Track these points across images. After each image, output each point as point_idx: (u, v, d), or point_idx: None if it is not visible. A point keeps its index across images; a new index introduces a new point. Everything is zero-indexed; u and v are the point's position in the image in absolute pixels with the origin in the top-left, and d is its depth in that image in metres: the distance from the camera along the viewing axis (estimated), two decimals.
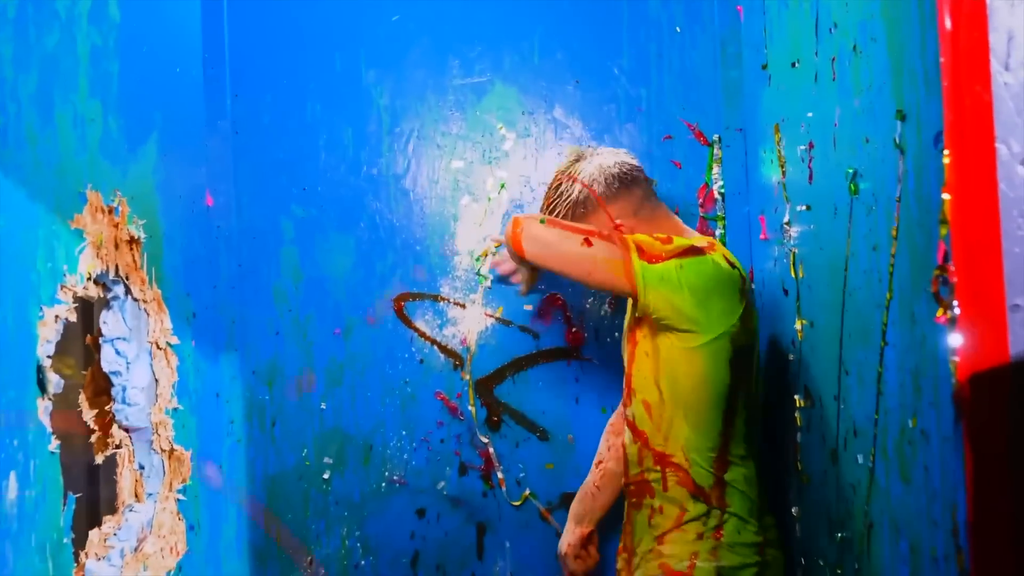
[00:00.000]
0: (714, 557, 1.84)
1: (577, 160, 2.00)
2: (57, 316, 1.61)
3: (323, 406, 2.30)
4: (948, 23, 1.03)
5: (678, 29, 2.28)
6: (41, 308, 1.58)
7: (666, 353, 1.86)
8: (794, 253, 1.85)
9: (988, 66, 1.04)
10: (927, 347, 1.20)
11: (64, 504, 1.62)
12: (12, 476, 1.44)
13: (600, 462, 2.17)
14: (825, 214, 1.65)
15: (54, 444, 1.59)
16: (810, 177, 1.73)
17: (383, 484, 2.28)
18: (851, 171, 1.49)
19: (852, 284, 1.50)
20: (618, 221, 1.93)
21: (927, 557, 1.22)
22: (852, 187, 1.49)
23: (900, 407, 1.30)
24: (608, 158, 1.98)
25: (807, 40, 1.74)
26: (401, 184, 2.33)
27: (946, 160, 1.06)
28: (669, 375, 1.85)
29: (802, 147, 1.77)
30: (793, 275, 1.85)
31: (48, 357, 1.59)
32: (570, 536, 2.15)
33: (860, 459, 1.49)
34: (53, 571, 1.56)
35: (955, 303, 1.03)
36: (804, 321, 1.80)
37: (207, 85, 2.29)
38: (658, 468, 1.87)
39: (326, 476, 2.30)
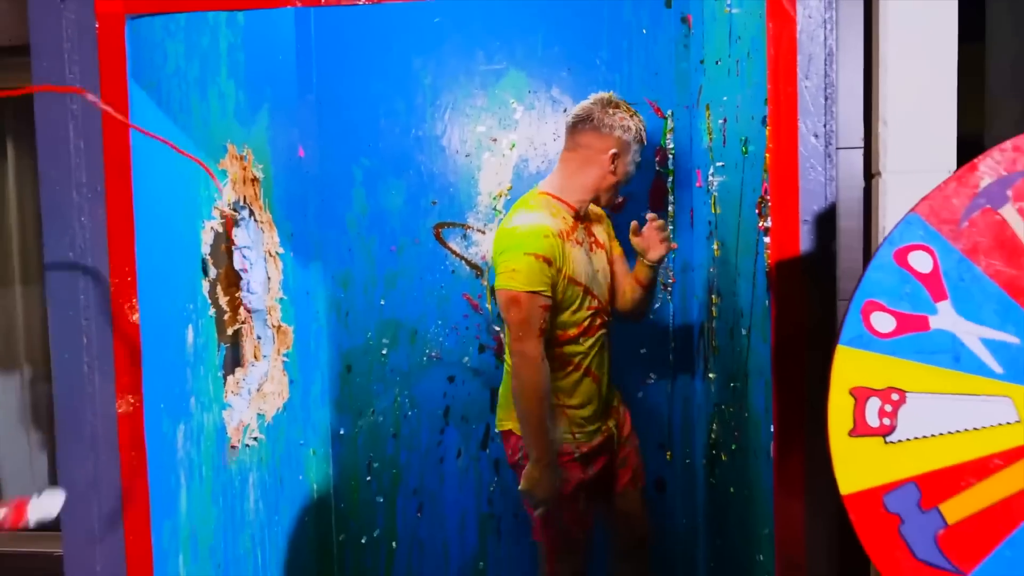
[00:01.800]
0: None
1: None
2: (212, 227, 1.91)
3: (382, 302, 2.59)
4: (772, 50, 1.43)
5: (644, 31, 2.48)
6: (203, 221, 1.87)
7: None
8: (714, 197, 2.19)
9: (795, 75, 1.42)
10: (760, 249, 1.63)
11: (219, 351, 1.95)
12: (190, 328, 1.79)
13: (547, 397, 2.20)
14: (731, 168, 2.01)
15: (211, 311, 1.92)
16: (723, 142, 2.07)
17: (424, 358, 2.57)
18: (744, 139, 1.87)
19: (743, 216, 1.88)
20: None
21: (766, 387, 1.64)
22: (744, 150, 1.88)
23: (764, 293, 1.73)
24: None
25: (724, 45, 2.05)
26: (439, 143, 2.55)
27: (768, 131, 1.44)
28: None
29: (720, 121, 2.10)
30: (713, 211, 2.20)
31: (208, 254, 1.90)
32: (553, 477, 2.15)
33: (743, 332, 1.91)
34: (213, 392, 1.90)
35: (769, 218, 1.45)
36: (719, 242, 2.14)
37: (299, 69, 2.48)
38: None
39: (384, 352, 2.60)
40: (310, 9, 2.51)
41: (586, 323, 2.13)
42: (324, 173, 2.60)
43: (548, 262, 1.99)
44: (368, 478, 2.65)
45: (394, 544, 2.66)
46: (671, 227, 2.55)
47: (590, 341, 2.14)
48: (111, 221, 1.47)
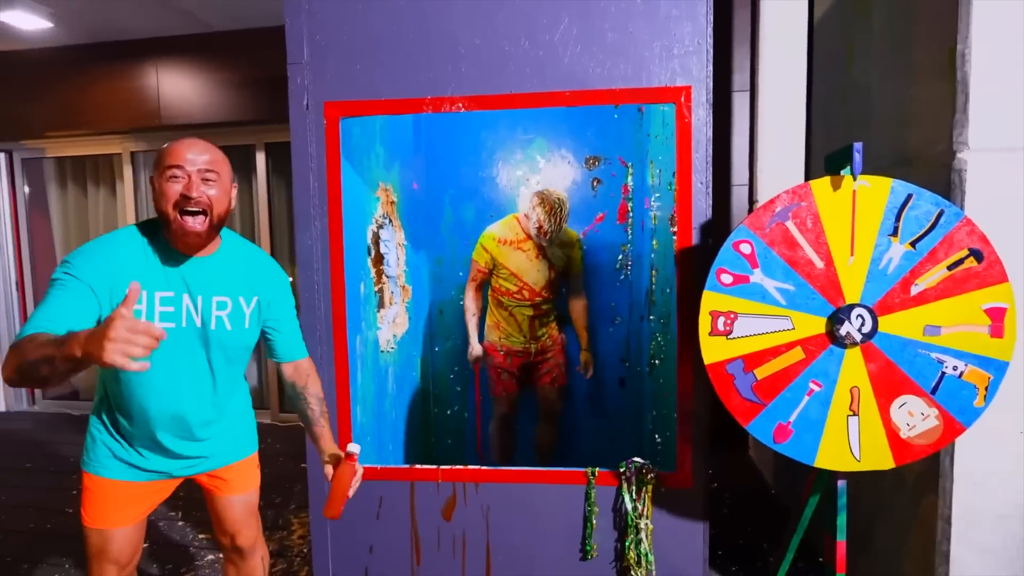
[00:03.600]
0: None
1: (560, 196, 2.36)
2: (371, 229, 2.18)
3: (460, 274, 2.73)
4: (679, 135, 1.70)
5: (616, 115, 2.65)
6: (367, 227, 2.14)
7: None
8: (654, 214, 2.42)
9: (690, 149, 1.65)
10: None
11: (374, 297, 2.20)
12: (361, 284, 2.04)
13: (474, 315, 2.53)
14: (663, 197, 2.22)
15: (373, 274, 2.19)
16: (659, 183, 2.29)
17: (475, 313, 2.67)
18: (669, 182, 2.07)
19: (667, 225, 2.16)
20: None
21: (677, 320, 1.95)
22: (669, 186, 2.09)
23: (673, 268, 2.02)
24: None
25: (660, 127, 2.25)
26: (495, 181, 2.69)
27: (676, 178, 1.69)
28: None
29: (658, 170, 2.32)
30: (653, 223, 2.42)
31: (370, 243, 2.16)
32: (478, 348, 2.51)
33: (668, 290, 2.15)
34: (372, 319, 2.15)
35: (676, 225, 1.74)
36: (656, 240, 2.36)
37: (415, 138, 2.67)
38: None
39: (460, 302, 2.68)
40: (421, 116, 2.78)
41: (514, 292, 2.46)
42: (428, 198, 2.72)
43: (485, 249, 2.42)
44: (451, 375, 2.81)
45: (465, 415, 2.84)
46: (629, 233, 2.74)
47: (515, 303, 2.47)
48: (331, 224, 1.82)
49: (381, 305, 2.26)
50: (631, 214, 2.72)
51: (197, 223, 1.19)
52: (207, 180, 1.19)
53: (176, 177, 1.16)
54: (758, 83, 2.74)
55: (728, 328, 1.42)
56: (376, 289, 2.21)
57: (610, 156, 2.65)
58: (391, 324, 2.39)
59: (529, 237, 2.49)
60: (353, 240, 1.93)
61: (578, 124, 2.66)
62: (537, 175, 2.70)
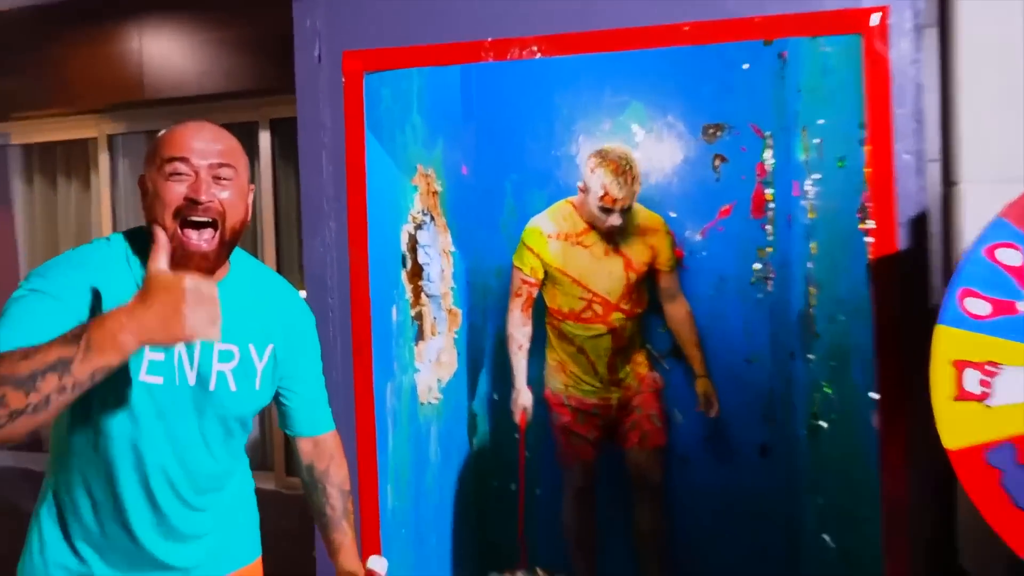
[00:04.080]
0: None
1: (626, 152, 2.23)
2: (407, 230, 2.05)
3: None
4: (868, 84, 1.44)
5: (746, 66, 2.47)
6: (401, 227, 2.01)
7: None
8: (811, 203, 2.17)
9: (889, 105, 1.43)
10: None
11: (411, 326, 2.08)
12: (394, 308, 1.92)
13: (521, 346, 2.38)
14: (827, 180, 1.99)
15: (407, 294, 2.05)
16: (820, 158, 2.05)
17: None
18: (840, 156, 1.85)
19: (842, 219, 1.85)
20: None
21: (865, 364, 1.65)
22: (840, 163, 1.87)
23: (863, 284, 1.73)
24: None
25: (817, 77, 2.02)
26: (574, 161, 2.58)
27: (867, 149, 1.46)
28: None
29: (816, 140, 2.09)
30: (810, 216, 2.18)
31: (406, 250, 2.03)
32: (529, 395, 2.39)
33: (843, 318, 1.89)
34: (408, 358, 2.02)
35: (870, 221, 1.47)
36: (815, 242, 2.12)
37: (463, 105, 2.57)
38: None
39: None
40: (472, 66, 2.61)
41: (580, 311, 2.32)
42: (481, 186, 2.64)
43: (531, 250, 2.32)
44: (515, 435, 2.64)
45: (537, 491, 2.67)
46: (769, 232, 2.53)
47: (583, 330, 2.34)
48: (352, 224, 1.64)
49: (420, 337, 2.19)
50: (772, 204, 2.51)
51: (204, 239, 1.10)
52: (220, 179, 1.11)
53: (179, 174, 1.08)
54: (951, 14, 2.32)
55: (987, 389, 1.14)
56: (413, 314, 2.13)
57: (738, 124, 2.50)
58: (434, 364, 2.28)
59: (591, 226, 2.33)
60: (382, 246, 1.82)
61: (690, 79, 2.53)
62: (633, 151, 2.52)
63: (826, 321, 2.04)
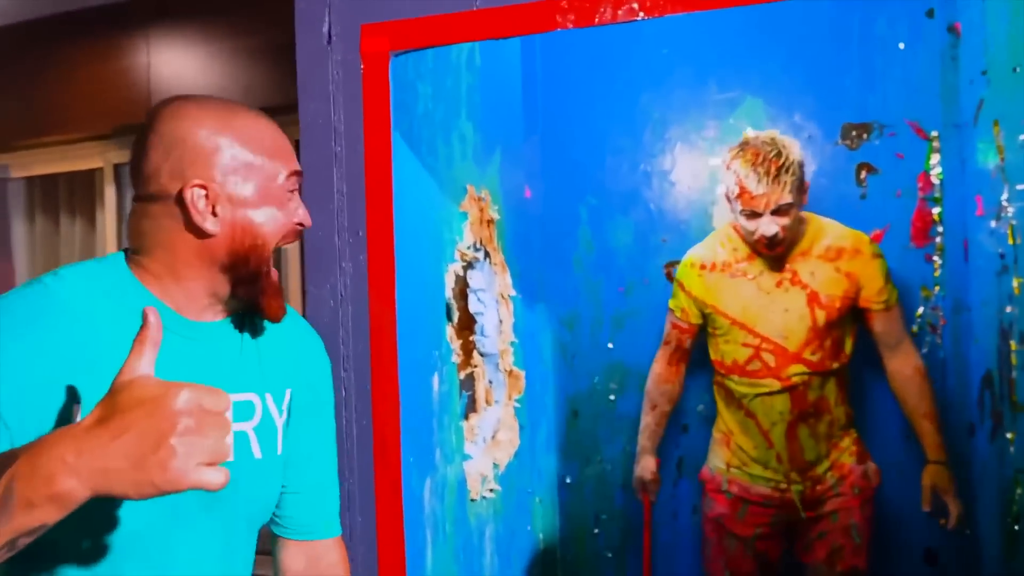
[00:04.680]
0: None
1: (772, 136, 1.94)
2: (454, 271, 1.79)
3: (610, 345, 2.39)
4: None
5: (902, 46, 2.16)
6: (446, 264, 1.75)
7: None
8: (1012, 225, 1.79)
9: None
10: None
11: (460, 398, 1.81)
12: (435, 376, 1.65)
13: (656, 406, 2.17)
14: None
15: (456, 356, 1.78)
16: (1017, 165, 1.69)
17: None
18: None
19: None
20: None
21: None
22: None
23: None
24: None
25: (1003, 48, 1.68)
26: (668, 178, 2.34)
27: None
28: None
29: (1022, 137, 1.72)
30: (1011, 242, 1.79)
31: (451, 298, 1.78)
32: (651, 466, 2.16)
33: None
34: (456, 442, 1.76)
35: None
36: (1021, 279, 1.75)
37: (525, 110, 2.35)
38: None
39: (612, 398, 2.39)
40: (536, 49, 2.39)
41: (744, 362, 2.02)
42: (549, 213, 2.45)
43: (682, 287, 2.12)
44: (596, 530, 2.41)
45: None
46: (937, 264, 2.15)
47: (750, 386, 2.02)
48: (372, 266, 1.32)
49: (472, 409, 1.94)
50: (940, 227, 2.17)
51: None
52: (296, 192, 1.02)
53: (294, 191, 0.99)
54: None
55: None
56: (462, 378, 1.87)
57: (892, 122, 2.20)
58: (489, 444, 2.02)
59: (755, 251, 2.02)
60: (417, 294, 1.55)
61: (824, 67, 2.25)
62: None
63: None
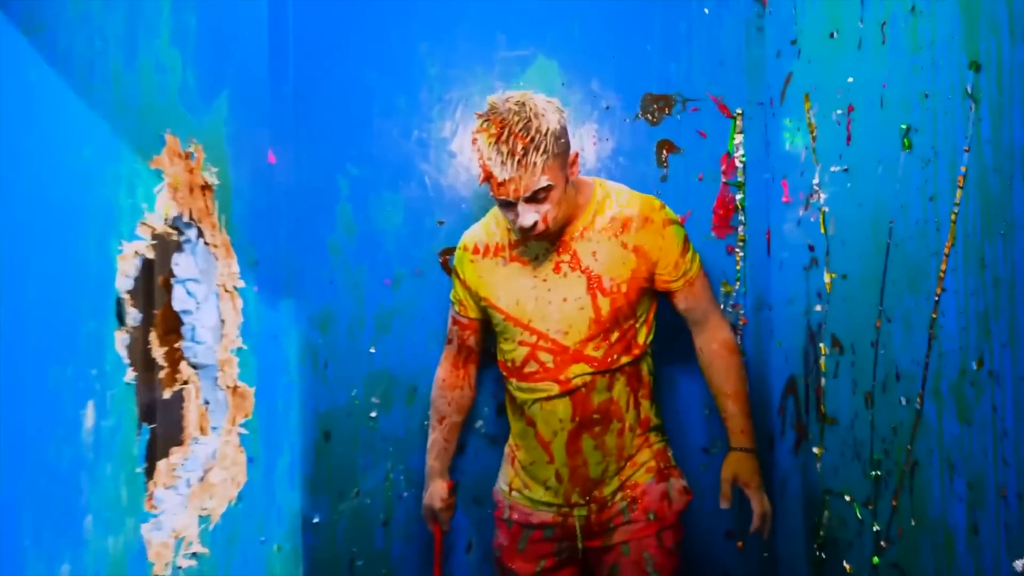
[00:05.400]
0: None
1: (523, 100, 1.60)
2: (136, 251, 1.32)
3: (372, 350, 2.08)
4: None
5: (707, 11, 2.03)
6: (121, 242, 1.29)
7: None
8: (824, 212, 1.62)
9: None
10: (1000, 289, 1.03)
11: (138, 435, 1.33)
12: (90, 405, 1.16)
13: (444, 418, 1.92)
14: (866, 172, 1.44)
15: (130, 375, 1.30)
16: (848, 139, 1.51)
17: (425, 422, 2.04)
18: (904, 127, 1.29)
19: (899, 235, 1.31)
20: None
21: (992, 495, 1.05)
22: (905, 142, 1.29)
23: (959, 350, 1.12)
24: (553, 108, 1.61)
25: (848, 11, 1.51)
26: (448, 147, 2.08)
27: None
28: None
29: (838, 112, 1.55)
30: (823, 232, 1.63)
31: (127, 291, 1.31)
32: (440, 491, 1.90)
33: (904, 401, 1.30)
34: (127, 500, 1.27)
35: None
36: (833, 274, 1.59)
37: (271, 51, 2.02)
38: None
39: (373, 415, 2.08)
40: None
41: (521, 364, 1.75)
42: (301, 185, 2.11)
43: (457, 275, 1.87)
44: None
45: None
46: (739, 258, 2.03)
47: (529, 391, 1.74)
48: None
49: (174, 442, 1.55)
50: (741, 215, 2.07)
51: None
52: None
53: None
54: None
55: None
56: (168, 396, 1.49)
57: (695, 95, 2.08)
58: (194, 490, 1.59)
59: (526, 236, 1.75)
60: (57, 281, 1.11)
61: (623, 30, 2.09)
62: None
63: (860, 402, 1.45)
